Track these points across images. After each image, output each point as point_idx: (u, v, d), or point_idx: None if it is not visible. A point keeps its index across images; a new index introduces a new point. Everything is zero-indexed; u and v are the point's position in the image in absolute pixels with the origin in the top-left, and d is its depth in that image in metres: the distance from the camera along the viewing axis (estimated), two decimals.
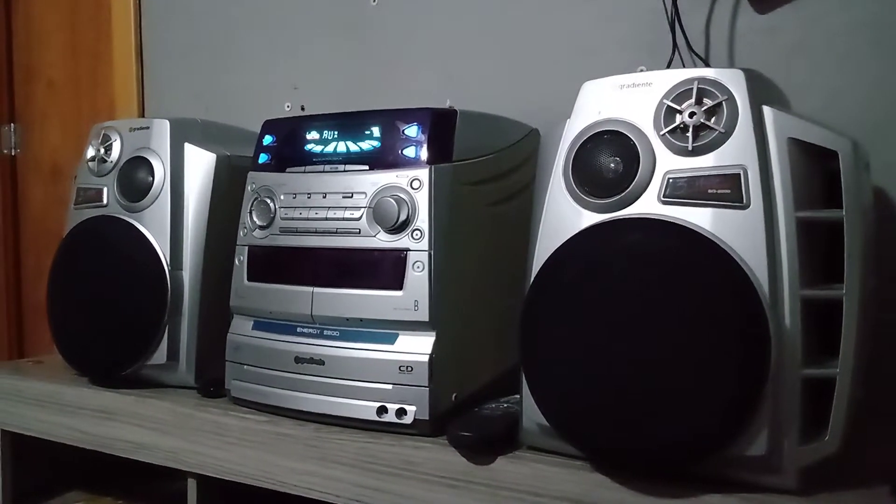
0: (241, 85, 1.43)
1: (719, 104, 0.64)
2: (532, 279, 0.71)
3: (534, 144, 0.83)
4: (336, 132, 0.86)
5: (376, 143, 0.83)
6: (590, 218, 0.69)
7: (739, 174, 0.63)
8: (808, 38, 0.94)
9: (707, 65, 0.98)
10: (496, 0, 1.15)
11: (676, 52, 0.97)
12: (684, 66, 0.96)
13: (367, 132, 0.84)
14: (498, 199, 0.88)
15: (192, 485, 0.92)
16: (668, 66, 0.95)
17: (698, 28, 1.00)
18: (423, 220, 0.78)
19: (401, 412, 0.78)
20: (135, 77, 1.57)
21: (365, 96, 1.27)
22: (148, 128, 1.03)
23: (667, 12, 0.97)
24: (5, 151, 1.93)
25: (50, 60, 1.85)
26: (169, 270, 0.97)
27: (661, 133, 0.66)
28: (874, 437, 0.75)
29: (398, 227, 0.79)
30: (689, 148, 0.65)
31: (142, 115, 1.56)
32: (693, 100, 0.65)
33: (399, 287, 0.79)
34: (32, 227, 1.92)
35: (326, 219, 0.83)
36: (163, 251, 0.98)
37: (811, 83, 0.92)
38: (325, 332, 0.83)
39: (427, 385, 0.77)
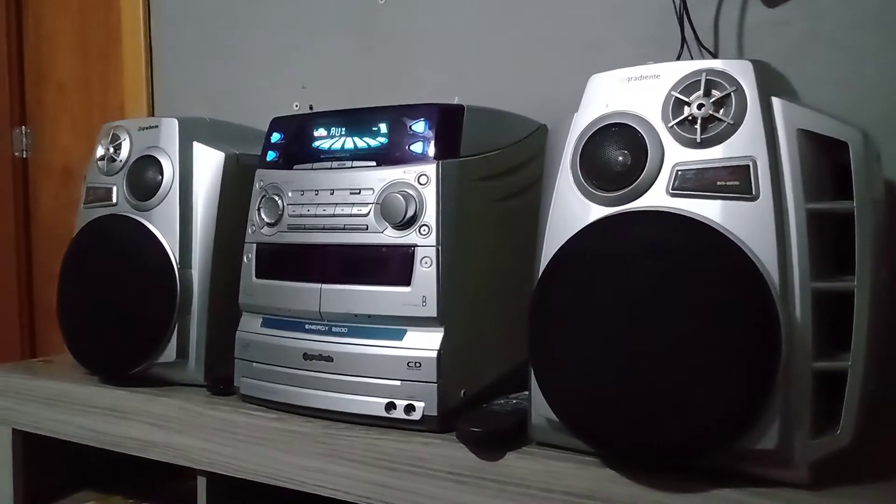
0: (250, 84, 1.43)
1: (728, 95, 0.64)
2: (540, 274, 0.70)
3: (542, 140, 0.82)
4: (343, 129, 0.86)
5: (383, 140, 0.83)
6: (598, 211, 0.68)
7: (749, 166, 0.62)
8: (818, 31, 0.93)
9: (716, 58, 0.97)
10: None
11: (685, 47, 0.96)
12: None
13: (375, 128, 0.83)
14: (506, 194, 0.88)
15: (201, 482, 0.92)
16: (677, 60, 0.95)
17: (707, 22, 0.99)
18: (430, 216, 0.78)
19: (409, 408, 0.77)
20: (144, 78, 1.58)
21: (373, 94, 1.27)
22: (157, 127, 1.03)
23: (675, 6, 0.97)
24: (17, 154, 1.94)
25: (60, 63, 1.86)
26: (178, 269, 0.98)
27: (670, 125, 0.66)
28: (886, 430, 0.75)
29: (406, 223, 0.79)
30: (698, 140, 0.64)
31: (151, 115, 1.57)
32: (701, 91, 0.65)
33: (407, 283, 0.78)
34: (44, 229, 1.93)
35: (334, 215, 0.83)
36: (172, 250, 0.98)
37: (821, 76, 0.91)
38: (334, 329, 0.83)
39: (435, 381, 0.77)
